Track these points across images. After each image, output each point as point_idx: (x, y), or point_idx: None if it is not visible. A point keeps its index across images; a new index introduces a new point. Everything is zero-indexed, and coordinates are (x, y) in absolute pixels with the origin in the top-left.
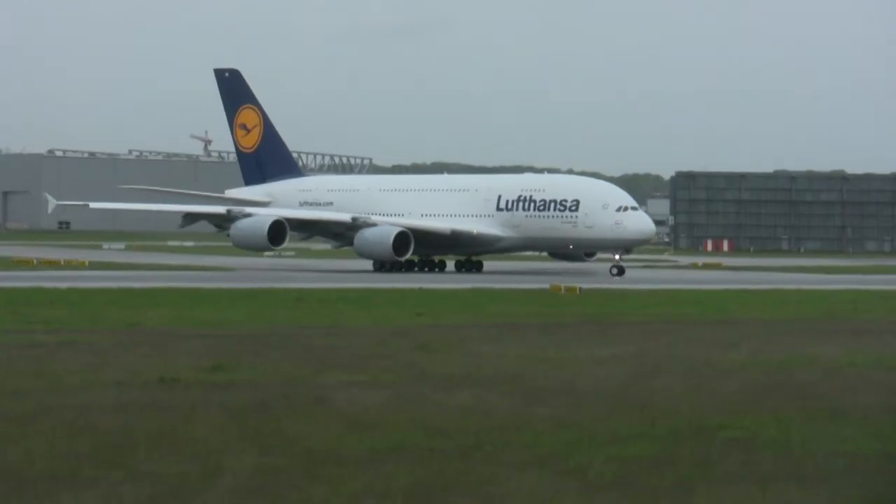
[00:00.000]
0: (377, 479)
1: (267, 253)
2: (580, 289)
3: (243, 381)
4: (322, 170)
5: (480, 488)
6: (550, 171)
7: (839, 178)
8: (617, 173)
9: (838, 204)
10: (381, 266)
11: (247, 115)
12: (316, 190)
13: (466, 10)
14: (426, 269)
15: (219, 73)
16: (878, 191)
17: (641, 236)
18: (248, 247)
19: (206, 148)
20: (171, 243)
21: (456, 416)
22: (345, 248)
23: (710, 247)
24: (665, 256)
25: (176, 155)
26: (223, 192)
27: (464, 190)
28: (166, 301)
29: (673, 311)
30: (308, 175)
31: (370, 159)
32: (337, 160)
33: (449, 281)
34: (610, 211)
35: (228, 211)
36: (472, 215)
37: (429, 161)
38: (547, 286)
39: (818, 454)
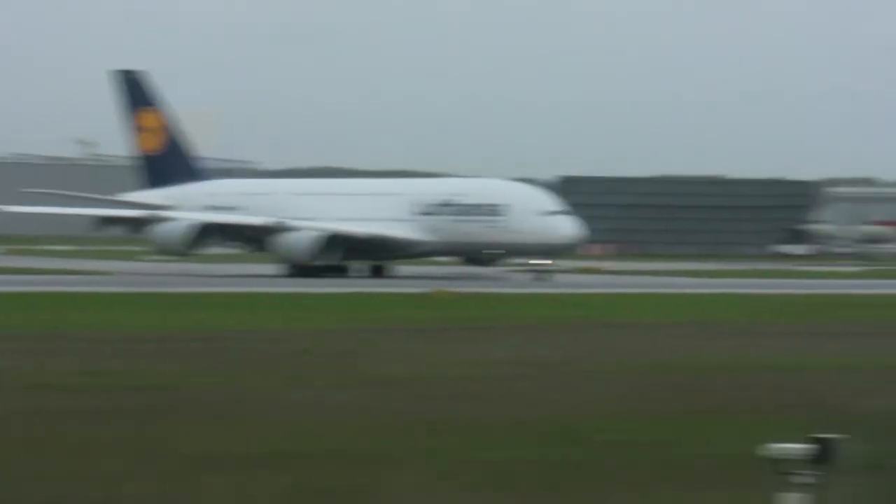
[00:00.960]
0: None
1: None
2: (460, 293)
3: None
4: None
5: None
6: (436, 174)
7: (715, 183)
8: (500, 177)
9: (714, 208)
10: (298, 271)
11: (148, 118)
12: (222, 194)
13: (350, 16)
14: (326, 274)
15: (118, 75)
16: (753, 195)
17: (570, 241)
18: (170, 251)
19: (89, 151)
20: (46, 247)
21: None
22: (259, 252)
23: (595, 251)
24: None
25: (58, 159)
26: (114, 196)
27: (384, 194)
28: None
29: (554, 314)
30: (212, 179)
31: (253, 163)
32: (220, 164)
33: (336, 285)
34: (538, 215)
35: (147, 215)
36: (393, 220)
37: (314, 165)
38: (429, 290)
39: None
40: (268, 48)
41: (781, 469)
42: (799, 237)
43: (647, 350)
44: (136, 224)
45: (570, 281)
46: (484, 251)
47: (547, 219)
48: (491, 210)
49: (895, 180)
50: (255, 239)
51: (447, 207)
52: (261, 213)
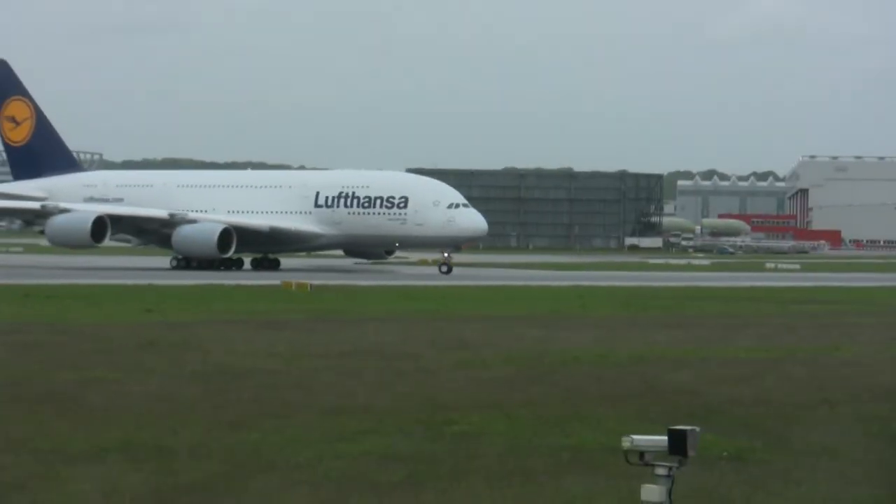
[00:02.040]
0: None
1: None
2: (311, 285)
3: None
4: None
5: None
6: (281, 167)
7: (567, 176)
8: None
9: (566, 201)
10: (190, 264)
11: (16, 108)
12: (102, 185)
13: (206, 11)
14: (222, 267)
15: None
16: (604, 188)
17: (474, 234)
18: (68, 244)
19: None
20: None
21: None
22: (149, 245)
23: None
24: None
25: None
26: None
27: (277, 186)
28: None
29: (405, 307)
30: (89, 171)
31: (101, 154)
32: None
33: (187, 277)
34: (441, 208)
35: (43, 206)
36: (289, 212)
37: (160, 157)
38: (279, 283)
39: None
40: (116, 40)
41: (640, 461)
42: (649, 230)
43: (509, 343)
44: (30, 215)
45: (425, 273)
46: (397, 244)
47: (452, 211)
48: (392, 202)
49: (739, 174)
50: (150, 232)
51: (345, 199)
52: (143, 205)
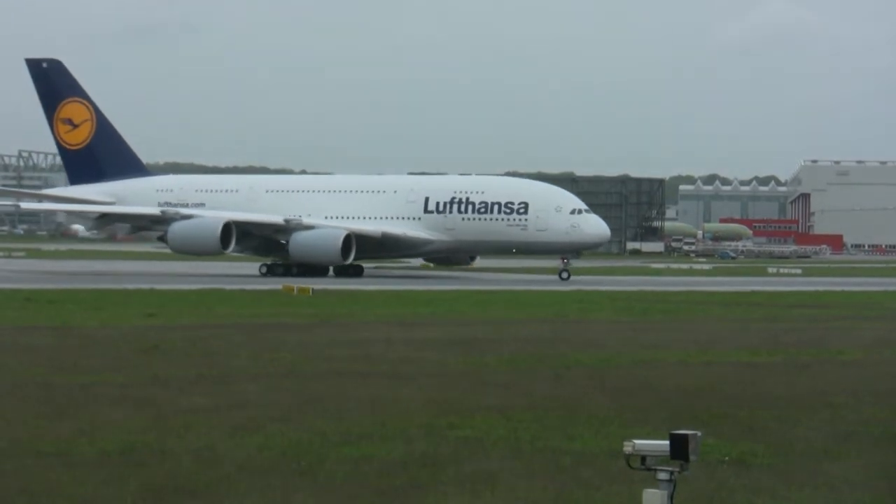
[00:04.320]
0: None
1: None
2: (312, 290)
3: None
4: (54, 169)
5: None
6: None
7: (568, 181)
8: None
9: None
10: (289, 271)
11: (72, 109)
12: (179, 190)
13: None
14: (337, 273)
15: (33, 64)
16: (606, 193)
17: (598, 239)
18: (195, 250)
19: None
20: None
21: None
22: (245, 252)
23: None
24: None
25: None
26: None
27: (379, 191)
28: None
29: (404, 311)
30: (157, 175)
31: None
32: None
33: (184, 282)
34: (564, 214)
35: (163, 212)
36: (395, 217)
37: (161, 161)
38: (279, 287)
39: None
40: (116, 43)
41: (642, 465)
42: (651, 234)
43: (510, 349)
44: (146, 222)
45: (421, 274)
46: (514, 250)
47: (575, 217)
48: (511, 208)
49: (741, 178)
50: (256, 237)
51: (458, 205)
52: (228, 209)
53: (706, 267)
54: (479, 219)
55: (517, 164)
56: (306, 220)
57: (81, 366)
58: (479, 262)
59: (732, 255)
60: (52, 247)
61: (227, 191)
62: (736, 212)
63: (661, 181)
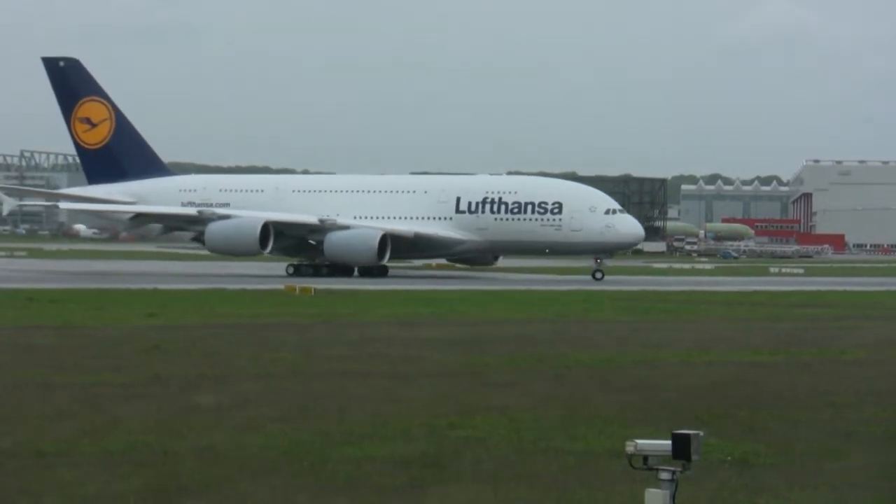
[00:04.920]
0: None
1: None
2: (314, 290)
3: None
4: (56, 168)
5: None
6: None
7: (570, 180)
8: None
9: None
10: (319, 271)
11: (90, 109)
12: (202, 190)
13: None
14: (335, 273)
15: (50, 63)
16: (608, 193)
17: (632, 240)
18: (234, 251)
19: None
20: None
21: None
22: (273, 252)
23: None
24: None
25: None
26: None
27: (409, 191)
28: None
29: (404, 311)
30: (178, 175)
31: None
32: (71, 159)
33: (186, 282)
34: (598, 214)
35: (200, 212)
36: (427, 217)
37: (165, 161)
38: (282, 287)
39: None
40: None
41: (644, 465)
42: (653, 234)
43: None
44: (182, 222)
45: (424, 274)
46: (547, 250)
47: (609, 217)
48: (545, 208)
49: (743, 178)
50: (289, 237)
51: (490, 205)
52: (254, 209)
53: (708, 267)
54: (512, 219)
55: (518, 164)
56: (341, 220)
57: (82, 366)
58: (502, 262)
59: (734, 254)
60: (53, 246)
61: (252, 191)
62: (738, 211)
63: (663, 181)
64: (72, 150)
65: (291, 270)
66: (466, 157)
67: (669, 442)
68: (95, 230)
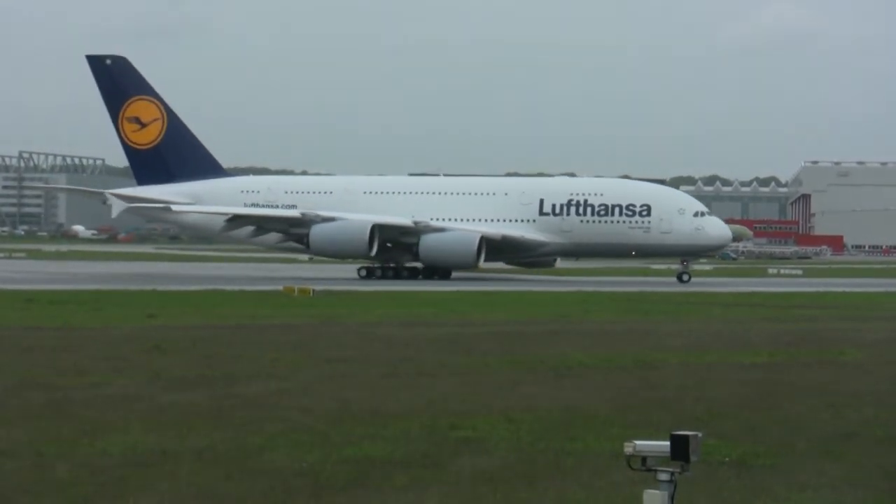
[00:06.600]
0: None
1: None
2: (313, 291)
3: None
4: (55, 170)
5: None
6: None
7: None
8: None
9: None
10: (400, 273)
11: (140, 108)
12: (266, 191)
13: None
14: (424, 276)
15: (96, 61)
16: None
17: (721, 242)
18: (342, 254)
19: None
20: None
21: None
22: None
23: None
24: None
25: None
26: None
27: (488, 193)
28: None
29: (405, 312)
30: (236, 175)
31: (103, 160)
32: (69, 160)
33: (188, 283)
34: (687, 216)
35: (303, 214)
36: (509, 220)
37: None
38: (280, 288)
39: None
40: (114, 46)
41: (643, 466)
42: None
43: (508, 348)
44: (284, 225)
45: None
46: (633, 252)
47: (699, 220)
48: (633, 210)
49: (742, 179)
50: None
51: (576, 207)
52: (325, 211)
53: (707, 267)
54: (599, 221)
55: (518, 165)
56: (438, 224)
57: (82, 366)
58: (560, 264)
59: (733, 255)
60: (52, 248)
61: (320, 192)
62: (736, 212)
63: (661, 182)
64: (71, 151)
65: (364, 273)
66: (465, 157)
67: (668, 443)
68: (94, 231)
